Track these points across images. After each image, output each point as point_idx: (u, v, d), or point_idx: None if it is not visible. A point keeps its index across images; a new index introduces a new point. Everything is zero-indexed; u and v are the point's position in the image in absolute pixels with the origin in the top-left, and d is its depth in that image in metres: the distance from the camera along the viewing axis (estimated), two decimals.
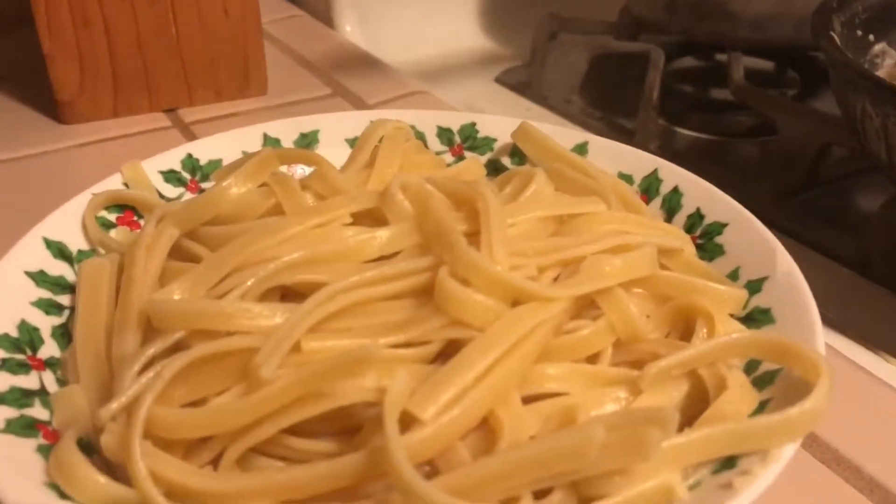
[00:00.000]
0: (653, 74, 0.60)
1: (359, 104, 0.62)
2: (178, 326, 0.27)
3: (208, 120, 0.60)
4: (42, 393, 0.29)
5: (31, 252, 0.33)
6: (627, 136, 0.60)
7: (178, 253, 0.33)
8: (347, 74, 0.66)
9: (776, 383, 0.28)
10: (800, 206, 0.51)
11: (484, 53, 0.78)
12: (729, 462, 0.25)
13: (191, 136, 0.58)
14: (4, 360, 0.29)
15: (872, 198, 0.49)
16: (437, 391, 0.24)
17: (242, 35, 0.61)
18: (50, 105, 0.59)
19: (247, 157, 0.36)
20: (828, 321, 0.30)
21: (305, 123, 0.42)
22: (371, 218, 0.32)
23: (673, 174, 0.38)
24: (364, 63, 0.68)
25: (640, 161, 0.38)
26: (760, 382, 0.28)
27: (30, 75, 0.65)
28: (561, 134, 0.40)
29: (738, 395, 0.26)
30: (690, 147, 0.61)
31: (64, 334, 0.32)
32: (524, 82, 0.70)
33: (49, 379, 0.30)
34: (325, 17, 0.75)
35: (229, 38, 0.60)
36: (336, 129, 0.42)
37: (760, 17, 0.61)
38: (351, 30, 0.74)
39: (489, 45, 0.79)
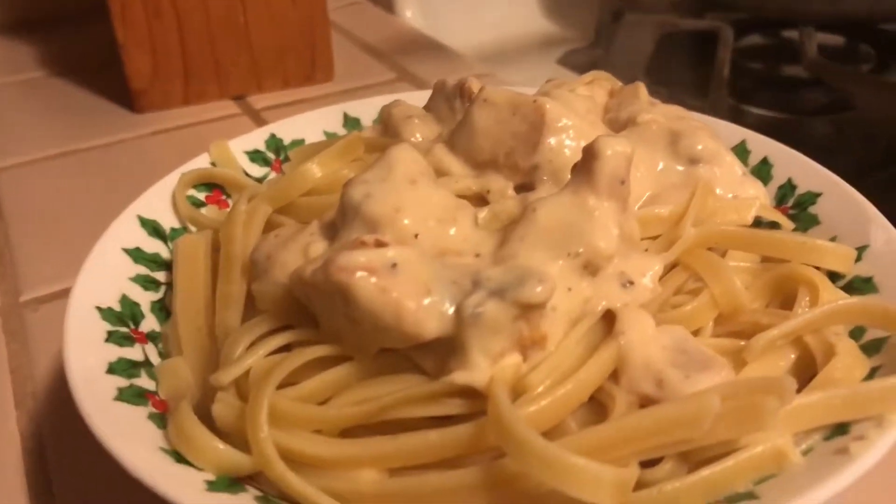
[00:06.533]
0: (723, 53, 0.59)
1: (423, 88, 0.62)
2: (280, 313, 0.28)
3: (277, 107, 0.61)
4: (147, 364, 0.30)
5: (127, 230, 0.34)
6: None
7: (268, 226, 0.33)
8: (411, 59, 0.66)
9: (885, 350, 0.27)
10: (877, 184, 0.50)
11: (544, 35, 0.77)
12: (841, 428, 0.25)
13: (261, 123, 0.59)
14: (111, 333, 0.30)
15: None
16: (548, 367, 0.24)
17: (309, 24, 0.61)
18: (124, 95, 0.61)
19: (329, 140, 0.37)
20: None
21: (384, 102, 0.42)
22: None
23: (761, 144, 0.37)
24: (427, 47, 0.68)
25: (727, 132, 0.38)
26: (869, 349, 0.27)
27: (105, 67, 0.66)
28: None
29: (849, 361, 0.26)
30: (762, 126, 0.60)
31: (162, 309, 0.33)
32: (588, 63, 0.69)
33: (152, 351, 0.31)
34: (386, 3, 0.75)
35: (297, 27, 0.61)
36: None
37: None
38: (412, 15, 0.74)
39: (550, 26, 0.79)
